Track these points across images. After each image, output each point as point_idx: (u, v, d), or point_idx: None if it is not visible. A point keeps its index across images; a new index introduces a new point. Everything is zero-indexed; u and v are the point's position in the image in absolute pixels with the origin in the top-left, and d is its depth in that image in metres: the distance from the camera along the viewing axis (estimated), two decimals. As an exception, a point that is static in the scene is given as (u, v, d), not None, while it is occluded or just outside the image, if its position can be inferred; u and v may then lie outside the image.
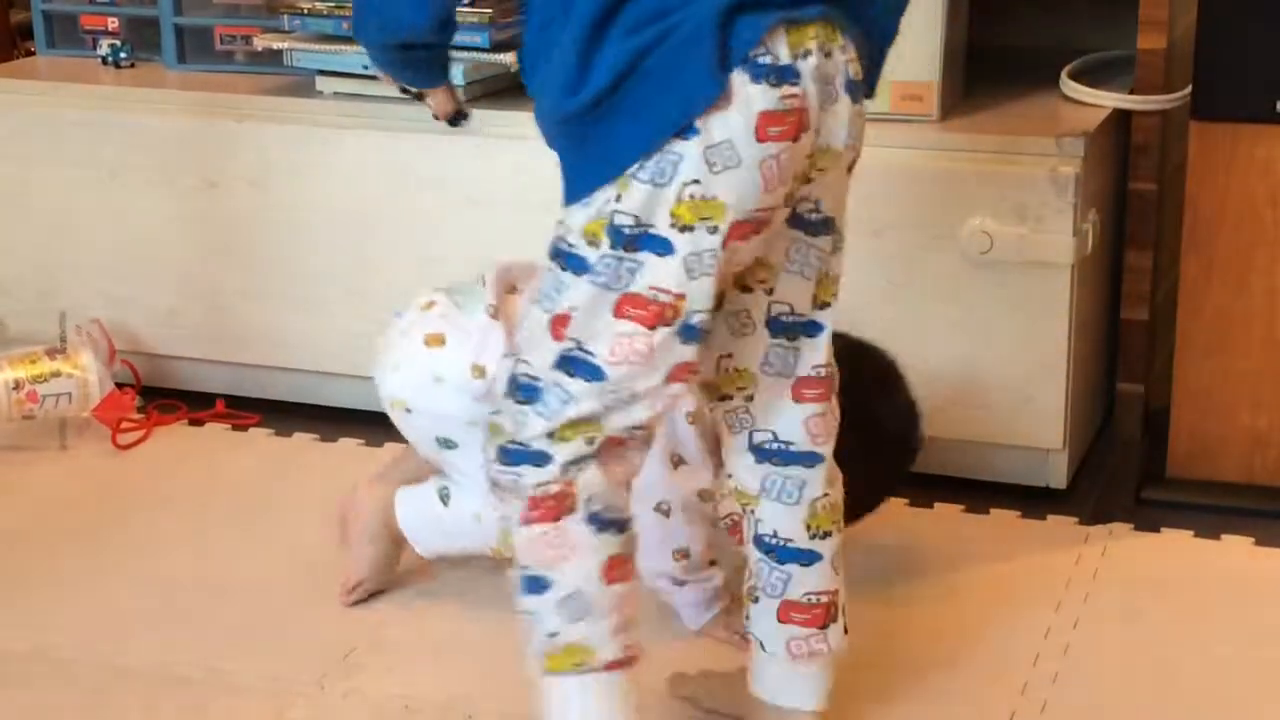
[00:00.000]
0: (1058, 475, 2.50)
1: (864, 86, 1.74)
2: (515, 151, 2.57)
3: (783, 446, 1.83)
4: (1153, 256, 2.63)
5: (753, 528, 1.87)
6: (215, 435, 2.80)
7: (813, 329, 1.81)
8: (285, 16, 2.74)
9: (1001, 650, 2.12)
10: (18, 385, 2.71)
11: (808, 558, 1.86)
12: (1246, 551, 2.37)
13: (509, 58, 2.58)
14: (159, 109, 2.82)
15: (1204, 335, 2.47)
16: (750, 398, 1.83)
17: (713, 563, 2.14)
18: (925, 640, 2.15)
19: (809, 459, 1.84)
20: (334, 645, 2.15)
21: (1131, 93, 2.56)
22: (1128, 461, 2.63)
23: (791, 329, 1.80)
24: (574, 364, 1.68)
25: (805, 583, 1.86)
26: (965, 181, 2.40)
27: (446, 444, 2.14)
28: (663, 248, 1.64)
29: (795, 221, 1.75)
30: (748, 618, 1.91)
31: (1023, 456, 2.50)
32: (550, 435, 1.69)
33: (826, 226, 1.77)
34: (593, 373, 1.67)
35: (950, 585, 2.28)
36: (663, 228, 1.63)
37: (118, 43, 2.99)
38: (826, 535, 1.86)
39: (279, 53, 2.76)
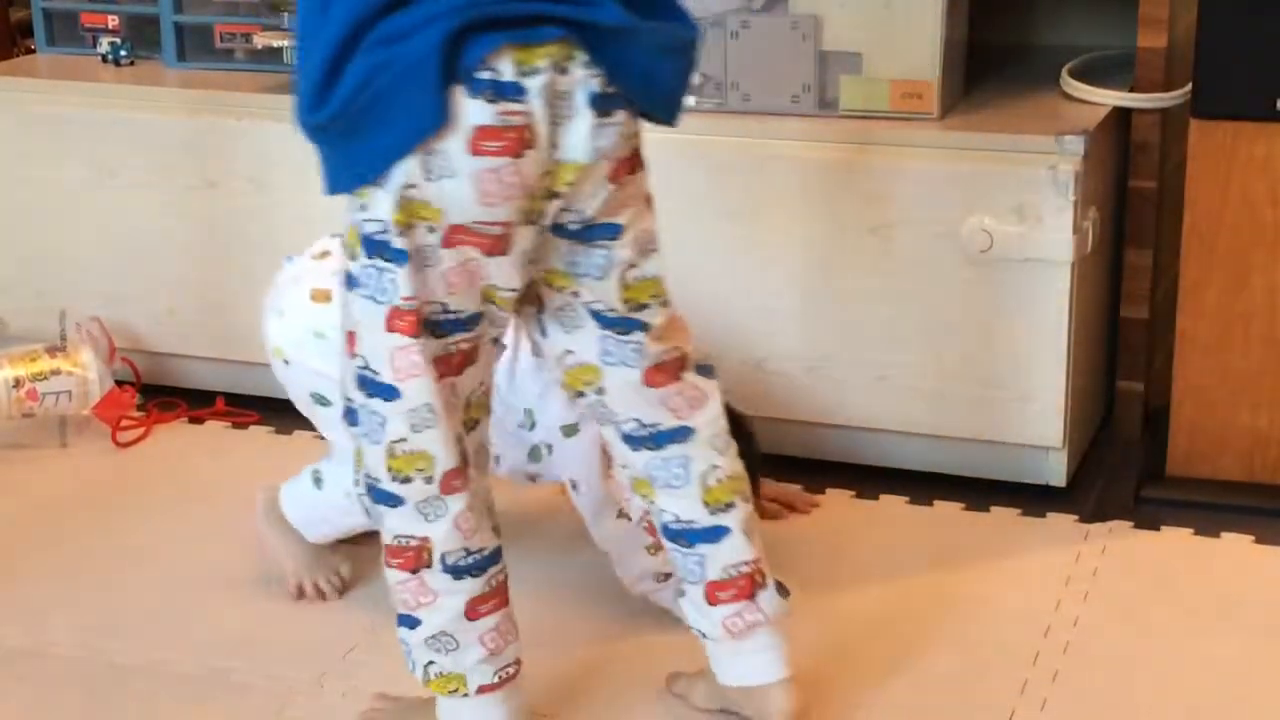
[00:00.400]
0: (1058, 473, 2.50)
1: (625, 100, 1.72)
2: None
3: (651, 430, 1.87)
4: (1153, 255, 2.63)
5: (658, 519, 1.91)
6: (215, 433, 2.80)
7: (643, 325, 1.84)
8: (285, 14, 2.74)
9: (1001, 648, 2.12)
10: (18, 383, 2.71)
11: (714, 534, 1.88)
12: (1246, 549, 2.36)
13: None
14: (159, 107, 2.82)
15: (1204, 333, 2.47)
16: (601, 390, 1.86)
17: None
18: (924, 638, 2.14)
19: (681, 434, 1.87)
20: (333, 644, 2.15)
21: (1132, 91, 2.56)
22: (1128, 459, 2.63)
23: (618, 324, 1.83)
24: (369, 384, 1.76)
25: (720, 559, 1.88)
26: (965, 179, 2.40)
27: (321, 400, 2.17)
28: (400, 256, 1.70)
29: (559, 232, 1.77)
30: (686, 615, 1.93)
31: (1023, 454, 2.50)
32: (390, 470, 1.77)
33: (604, 232, 1.79)
34: (388, 391, 1.75)
35: (950, 583, 2.28)
36: (394, 234, 1.69)
37: (118, 40, 2.99)
38: (729, 507, 1.88)
39: (279, 50, 2.76)
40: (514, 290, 1.76)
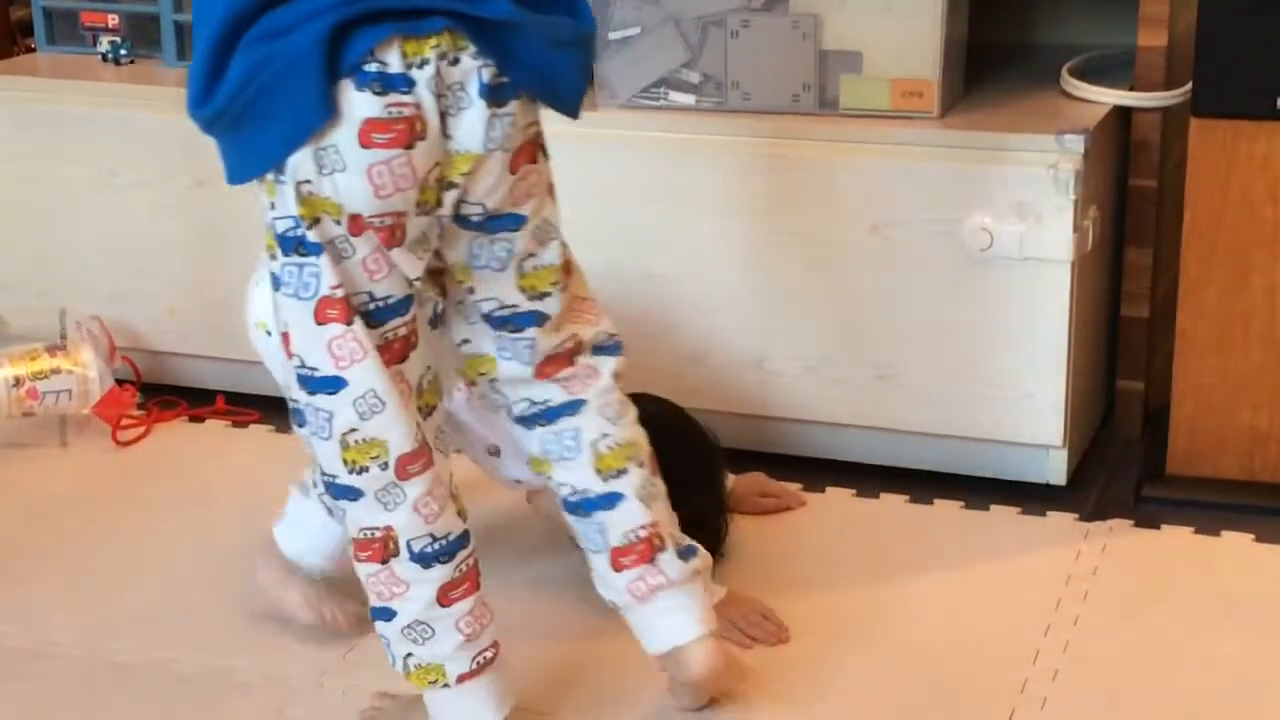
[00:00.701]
0: (1058, 472, 2.50)
1: (517, 90, 1.74)
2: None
3: (543, 407, 1.90)
4: (1153, 253, 2.63)
5: (559, 495, 1.93)
6: (215, 432, 2.80)
7: (537, 318, 1.87)
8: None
9: (1001, 647, 2.12)
10: (18, 382, 2.71)
11: (609, 500, 1.90)
12: (1247, 548, 2.36)
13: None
14: (159, 106, 2.81)
15: (1204, 332, 2.47)
16: (494, 380, 1.90)
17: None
18: (924, 637, 2.14)
19: (572, 407, 1.90)
20: (333, 643, 2.14)
21: (1132, 90, 2.56)
22: (1128, 458, 2.63)
23: (510, 321, 1.86)
24: (310, 382, 1.78)
25: (619, 525, 1.91)
26: (965, 178, 2.40)
27: None
28: (317, 249, 1.72)
29: (463, 223, 1.79)
30: (598, 590, 1.96)
31: (1023, 453, 2.50)
32: (345, 462, 1.78)
33: (508, 224, 1.81)
34: (331, 384, 1.76)
35: (950, 582, 2.28)
36: (305, 228, 1.71)
37: (118, 39, 2.99)
38: (622, 473, 1.90)
39: (279, 49, 2.75)
40: (416, 279, 1.78)
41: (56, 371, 2.73)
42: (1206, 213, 2.43)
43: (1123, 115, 2.57)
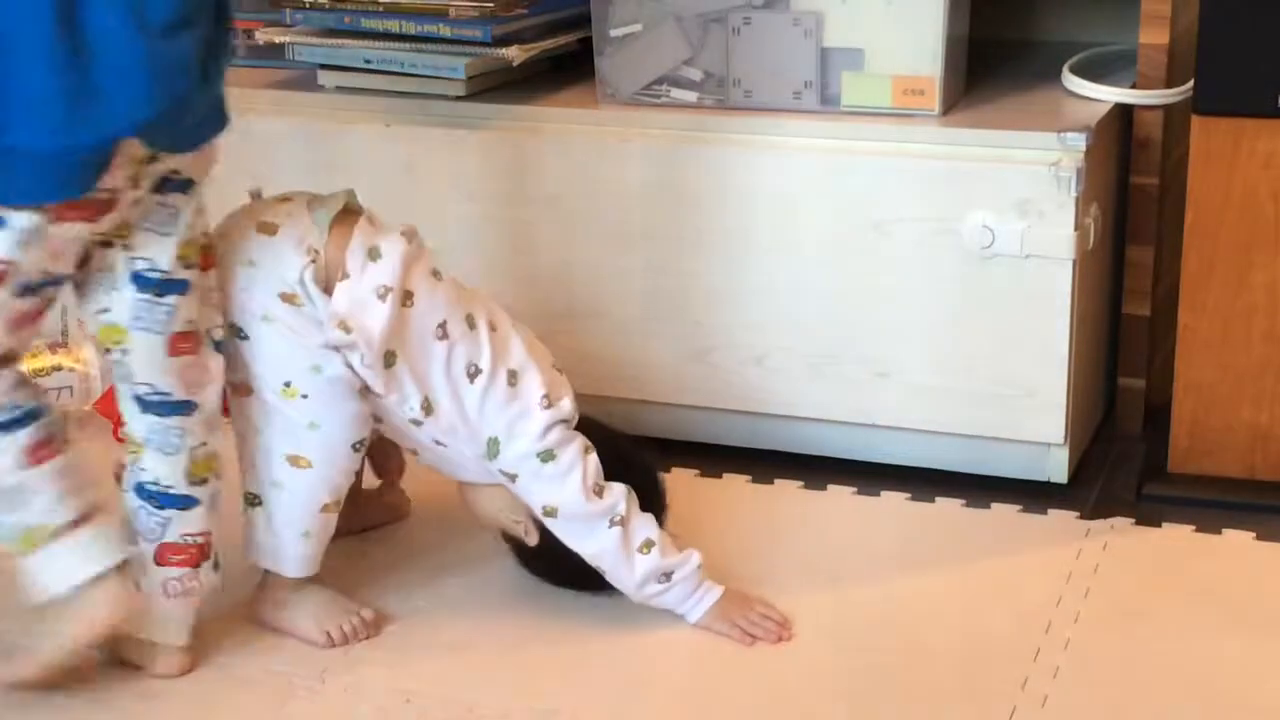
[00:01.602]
0: (1059, 470, 2.50)
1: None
2: (516, 146, 2.57)
3: (162, 397, 2.00)
4: (1154, 251, 2.63)
5: (135, 476, 2.03)
6: (217, 429, 2.80)
7: (183, 286, 1.98)
8: (287, 11, 2.74)
9: (1002, 645, 2.12)
10: (19, 379, 2.71)
11: (185, 503, 2.04)
12: (1248, 546, 2.36)
13: (510, 52, 2.58)
14: (160, 103, 2.81)
15: (1205, 330, 2.47)
16: (126, 351, 1.99)
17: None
18: (925, 635, 2.14)
19: (185, 407, 2.02)
20: (335, 639, 2.15)
21: (1134, 87, 2.56)
22: (1129, 456, 2.63)
23: (158, 285, 1.96)
24: None
25: (182, 526, 2.04)
26: (967, 176, 2.39)
27: (240, 334, 2.12)
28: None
29: (153, 186, 1.93)
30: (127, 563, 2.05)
31: (1024, 451, 2.50)
32: None
33: (183, 188, 1.96)
34: None
35: (951, 580, 2.28)
36: None
37: (119, 36, 2.98)
38: (204, 482, 2.05)
39: (281, 47, 2.75)
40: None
41: (58, 369, 2.73)
42: (1208, 210, 2.43)
43: (1124, 113, 2.57)
